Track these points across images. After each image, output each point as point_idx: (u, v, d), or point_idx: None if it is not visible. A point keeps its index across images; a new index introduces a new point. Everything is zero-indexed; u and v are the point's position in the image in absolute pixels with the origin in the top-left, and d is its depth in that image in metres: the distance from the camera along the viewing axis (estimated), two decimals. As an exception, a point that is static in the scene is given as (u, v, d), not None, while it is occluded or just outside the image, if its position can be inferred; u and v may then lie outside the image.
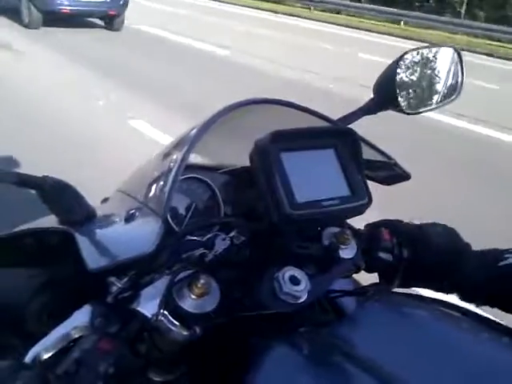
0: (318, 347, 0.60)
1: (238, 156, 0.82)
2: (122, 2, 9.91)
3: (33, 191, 0.69)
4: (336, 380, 0.55)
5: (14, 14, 9.70)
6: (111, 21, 10.16)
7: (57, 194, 0.70)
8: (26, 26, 9.39)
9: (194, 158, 0.90)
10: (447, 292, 0.78)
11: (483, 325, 0.61)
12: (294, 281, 0.65)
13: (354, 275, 0.81)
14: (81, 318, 0.60)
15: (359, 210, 0.68)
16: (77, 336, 0.58)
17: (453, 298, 0.74)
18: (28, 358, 0.56)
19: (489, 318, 0.62)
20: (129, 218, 0.71)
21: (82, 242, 0.63)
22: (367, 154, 0.81)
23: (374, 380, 0.52)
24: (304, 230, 0.72)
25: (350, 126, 0.87)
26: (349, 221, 0.80)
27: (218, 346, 0.65)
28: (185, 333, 0.59)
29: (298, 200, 0.64)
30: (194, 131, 0.73)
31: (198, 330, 0.59)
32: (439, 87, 0.95)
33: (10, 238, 0.76)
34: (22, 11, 9.46)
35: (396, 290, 0.78)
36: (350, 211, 0.69)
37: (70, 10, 9.50)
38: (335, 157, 0.70)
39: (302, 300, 0.64)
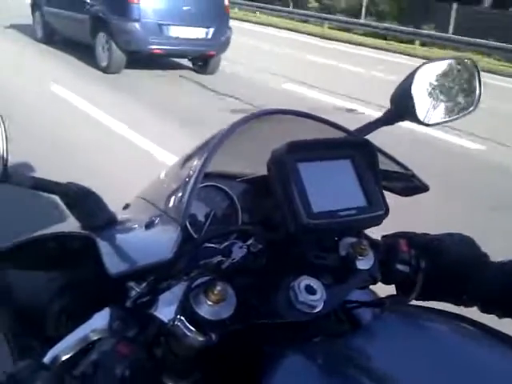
0: (332, 358, 0.60)
1: (256, 165, 0.83)
2: (223, 39, 7.56)
3: (55, 197, 0.71)
4: None
5: (83, 53, 7.74)
6: (206, 62, 7.70)
7: (80, 200, 0.72)
8: (104, 71, 7.18)
9: (213, 167, 0.91)
10: (467, 305, 0.77)
11: (501, 342, 0.60)
12: (310, 290, 0.65)
13: (371, 286, 0.81)
14: (99, 321, 0.61)
15: (376, 221, 0.68)
16: (95, 338, 0.59)
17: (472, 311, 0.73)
18: (47, 359, 0.57)
19: (507, 335, 0.61)
20: (149, 225, 0.72)
21: (103, 246, 0.65)
22: (384, 165, 0.81)
23: None
24: (321, 239, 0.73)
25: (366, 136, 0.87)
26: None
27: (233, 353, 0.66)
28: (200, 339, 0.59)
29: (314, 210, 0.65)
30: (213, 141, 0.75)
31: (214, 337, 0.60)
32: (456, 99, 0.95)
33: (33, 242, 0.78)
34: (98, 52, 7.25)
35: (414, 302, 0.77)
36: (367, 222, 0.69)
37: (164, 50, 7.24)
38: (352, 167, 0.70)
39: (317, 310, 0.65)
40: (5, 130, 0.65)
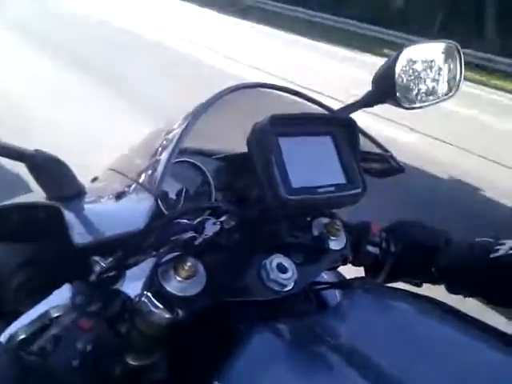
0: (300, 335, 0.60)
1: (235, 142, 0.81)
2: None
3: (22, 164, 0.68)
4: (316, 367, 0.55)
5: None
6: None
7: (46, 169, 0.68)
8: None
9: (189, 143, 0.89)
10: (434, 283, 0.79)
11: (461, 319, 0.62)
12: (282, 269, 0.65)
13: (340, 269, 0.82)
14: (61, 296, 0.59)
15: (354, 199, 0.68)
16: (56, 315, 0.57)
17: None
18: (3, 337, 0.54)
19: (469, 315, 0.62)
20: (119, 196, 0.70)
21: (70, 217, 0.62)
22: (362, 145, 0.80)
23: (353, 369, 0.52)
24: (297, 216, 0.72)
25: None
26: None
27: (200, 331, 0.65)
28: (167, 315, 0.58)
29: (293, 185, 0.63)
30: (190, 114, 0.73)
31: (181, 313, 0.58)
32: (438, 83, 0.94)
33: None
34: None
35: (380, 284, 0.78)
36: (345, 199, 0.68)
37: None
38: (332, 144, 0.69)
39: (288, 288, 0.64)
40: None
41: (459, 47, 0.95)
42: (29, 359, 0.51)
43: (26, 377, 0.49)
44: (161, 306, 0.58)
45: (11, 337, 0.55)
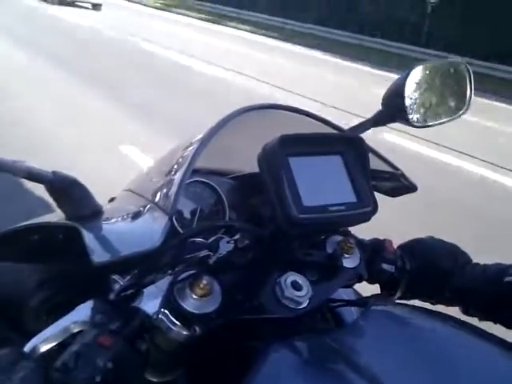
0: (317, 353, 0.60)
1: (247, 162, 0.82)
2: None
3: (40, 185, 0.70)
4: None
5: None
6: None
7: (65, 190, 0.70)
8: None
9: (202, 163, 0.90)
10: (449, 304, 0.78)
11: (482, 338, 0.61)
12: (296, 286, 0.65)
13: (356, 286, 0.82)
14: (82, 313, 0.60)
15: (364, 217, 0.68)
16: (77, 330, 0.58)
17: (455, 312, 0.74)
18: (27, 348, 0.56)
19: (488, 332, 0.62)
20: (135, 215, 0.71)
21: (88, 236, 0.63)
22: (374, 164, 0.81)
23: None
24: (309, 235, 0.72)
25: None
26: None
27: (217, 348, 0.65)
28: (185, 332, 0.59)
29: (304, 204, 0.64)
30: (202, 135, 0.74)
31: (198, 331, 0.59)
32: (448, 101, 0.95)
33: (15, 233, 0.76)
34: None
35: (397, 301, 0.78)
36: (356, 218, 0.69)
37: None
38: (342, 163, 0.70)
39: (303, 306, 0.65)
40: None
41: (468, 66, 0.96)
42: (53, 375, 0.52)
43: None
44: (178, 323, 0.58)
45: (34, 348, 0.56)
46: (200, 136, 0.75)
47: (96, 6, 18.74)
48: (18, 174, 0.67)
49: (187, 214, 0.81)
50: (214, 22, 20.01)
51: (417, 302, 0.78)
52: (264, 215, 0.74)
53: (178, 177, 0.70)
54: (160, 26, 16.10)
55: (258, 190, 0.73)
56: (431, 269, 0.78)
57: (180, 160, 0.76)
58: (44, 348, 0.56)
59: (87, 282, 0.67)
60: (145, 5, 24.10)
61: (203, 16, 21.55)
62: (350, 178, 0.69)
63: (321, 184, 0.68)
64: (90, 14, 16.70)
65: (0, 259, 0.81)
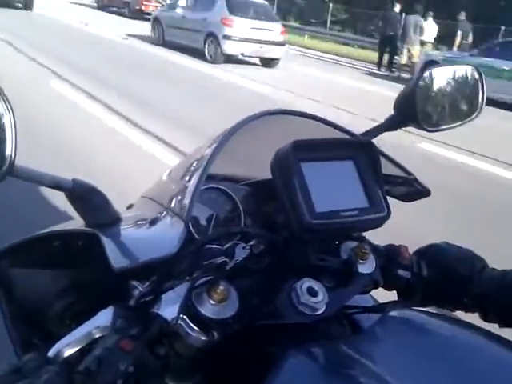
0: (334, 359, 0.60)
1: (260, 168, 0.83)
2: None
3: (60, 193, 0.72)
4: None
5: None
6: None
7: (84, 197, 0.72)
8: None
9: (217, 170, 0.92)
10: (467, 310, 0.78)
11: (503, 346, 0.60)
12: (312, 292, 0.65)
13: (372, 292, 0.81)
14: (103, 319, 0.61)
15: (378, 223, 0.69)
16: (98, 336, 0.59)
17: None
18: (51, 353, 0.57)
19: (508, 340, 0.61)
20: (152, 222, 0.73)
21: (107, 243, 0.65)
22: (387, 169, 0.82)
23: None
24: (322, 240, 0.73)
25: None
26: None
27: (235, 354, 0.66)
28: (203, 338, 0.60)
29: (317, 209, 0.65)
30: (216, 141, 0.75)
31: (216, 336, 0.60)
32: (459, 105, 0.96)
33: (37, 240, 0.78)
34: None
35: (415, 308, 0.77)
36: (369, 223, 0.69)
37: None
38: (354, 169, 0.70)
39: (319, 312, 0.65)
40: (13, 120, 0.63)
41: (480, 69, 0.97)
42: (76, 378, 0.53)
43: None
44: (196, 328, 0.59)
45: (58, 353, 0.57)
46: (214, 142, 0.76)
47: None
48: (40, 182, 0.69)
49: (203, 221, 0.83)
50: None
51: (434, 309, 0.78)
52: (278, 221, 0.75)
53: (192, 183, 0.71)
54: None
55: (272, 196, 0.74)
56: (448, 275, 0.77)
57: (194, 166, 0.77)
58: (67, 353, 0.58)
59: (107, 288, 0.69)
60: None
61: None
62: (362, 183, 0.70)
63: (333, 189, 0.68)
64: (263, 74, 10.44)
65: (22, 266, 0.83)
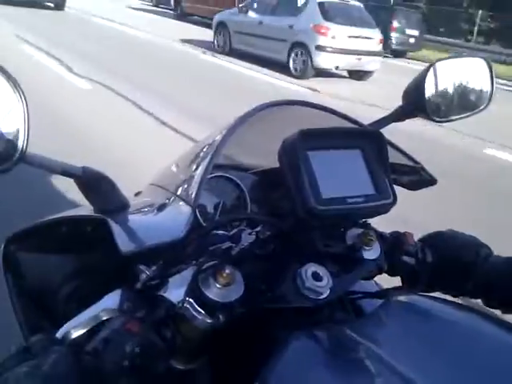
0: (337, 343, 0.61)
1: (268, 157, 0.84)
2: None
3: (70, 180, 0.73)
4: (354, 374, 0.56)
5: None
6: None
7: (94, 184, 0.73)
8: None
9: (224, 158, 0.92)
10: (471, 296, 0.78)
11: (506, 330, 0.61)
12: (317, 277, 0.66)
13: (377, 278, 0.82)
14: (110, 301, 0.62)
15: (384, 209, 0.69)
16: (105, 318, 0.60)
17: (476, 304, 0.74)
18: (59, 334, 0.58)
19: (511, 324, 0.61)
20: (160, 208, 0.74)
21: (116, 228, 0.66)
22: (394, 158, 0.82)
23: (390, 377, 0.52)
24: (328, 226, 0.74)
25: None
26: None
27: (240, 337, 0.67)
28: (208, 321, 0.61)
29: (323, 196, 0.65)
30: (224, 131, 0.76)
31: (222, 319, 0.61)
32: (468, 96, 0.95)
33: (46, 226, 0.80)
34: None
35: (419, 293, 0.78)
36: (375, 209, 0.70)
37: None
38: (361, 157, 0.71)
39: (323, 296, 0.66)
40: (26, 109, 0.64)
41: (489, 61, 0.96)
42: (84, 358, 0.54)
43: (82, 375, 0.53)
44: (202, 311, 0.60)
45: (66, 334, 0.58)
46: (222, 131, 0.77)
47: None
48: (51, 169, 0.70)
49: (210, 208, 0.84)
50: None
51: (438, 295, 0.78)
52: (285, 208, 0.75)
53: (200, 171, 0.72)
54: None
55: (278, 185, 0.75)
56: (453, 261, 0.78)
57: (202, 155, 0.78)
58: (75, 334, 0.59)
59: (115, 272, 0.70)
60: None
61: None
62: (369, 171, 0.70)
63: (340, 177, 0.69)
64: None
65: (31, 251, 0.84)
